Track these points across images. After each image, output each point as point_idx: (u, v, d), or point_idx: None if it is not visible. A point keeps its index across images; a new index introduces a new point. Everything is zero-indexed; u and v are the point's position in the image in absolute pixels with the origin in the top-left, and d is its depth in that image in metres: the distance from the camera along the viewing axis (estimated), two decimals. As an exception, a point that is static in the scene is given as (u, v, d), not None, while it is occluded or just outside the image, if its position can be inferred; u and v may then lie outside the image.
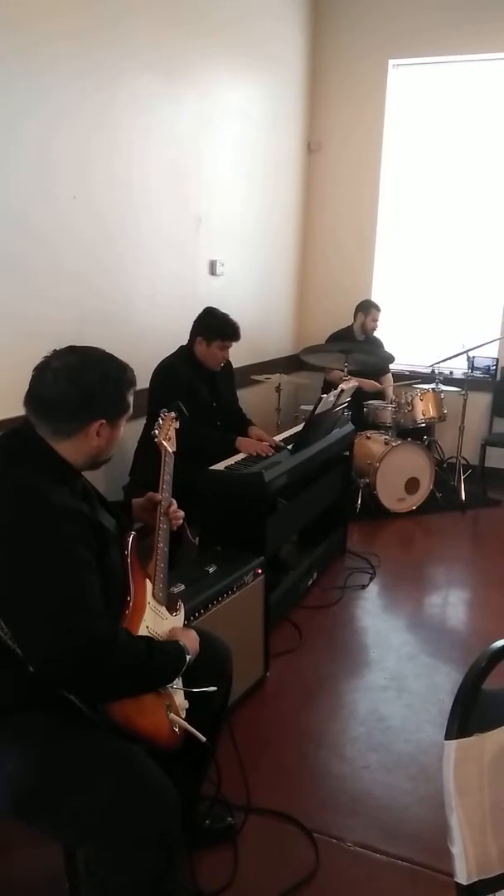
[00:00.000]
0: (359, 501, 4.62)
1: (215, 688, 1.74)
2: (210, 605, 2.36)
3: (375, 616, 3.49)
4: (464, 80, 5.38)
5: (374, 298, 5.51)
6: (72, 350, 1.63)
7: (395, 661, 3.04)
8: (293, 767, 2.36)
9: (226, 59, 4.40)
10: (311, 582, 3.57)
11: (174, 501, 1.94)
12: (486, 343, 5.06)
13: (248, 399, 4.53)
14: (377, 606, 3.58)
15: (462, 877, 1.17)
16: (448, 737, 1.19)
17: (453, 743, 1.18)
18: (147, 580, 1.76)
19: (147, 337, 3.76)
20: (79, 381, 1.55)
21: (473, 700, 1.20)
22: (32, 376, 1.59)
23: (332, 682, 2.86)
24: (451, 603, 3.77)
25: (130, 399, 1.66)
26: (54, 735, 1.47)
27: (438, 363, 5.00)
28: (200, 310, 3.51)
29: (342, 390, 3.36)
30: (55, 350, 1.63)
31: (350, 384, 3.50)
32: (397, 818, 2.15)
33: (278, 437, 3.36)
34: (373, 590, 3.70)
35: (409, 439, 4.75)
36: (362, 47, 5.52)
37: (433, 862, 1.97)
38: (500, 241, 5.38)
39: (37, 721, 1.49)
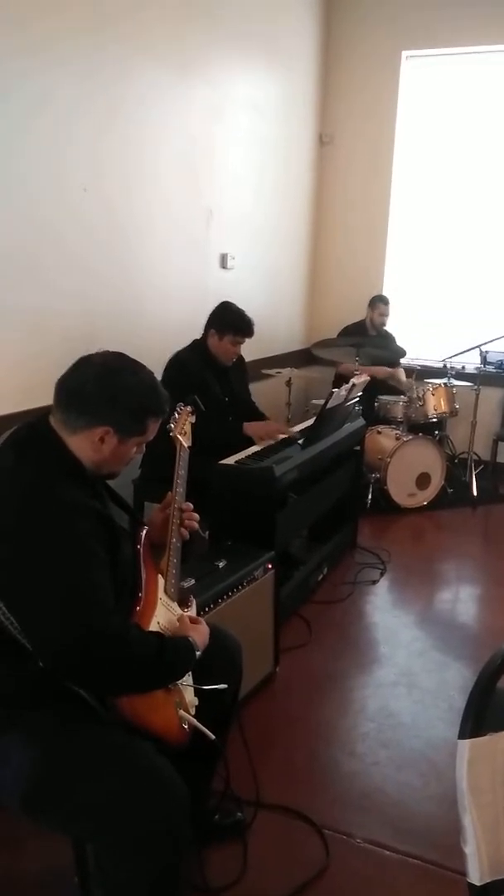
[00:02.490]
0: (369, 496, 4.60)
1: (226, 685, 1.73)
2: (220, 600, 2.35)
3: (385, 611, 3.47)
4: (478, 71, 5.33)
5: (386, 292, 5.48)
6: (120, 355, 1.62)
7: (405, 657, 3.03)
8: (303, 763, 2.36)
9: (238, 52, 4.37)
10: (321, 577, 3.56)
11: (190, 505, 1.91)
12: (499, 338, 5.01)
13: (259, 393, 4.51)
14: (387, 602, 3.56)
15: (475, 877, 1.15)
16: (462, 736, 1.18)
17: (467, 742, 1.17)
18: (159, 575, 1.76)
19: (157, 330, 3.76)
20: (105, 381, 1.55)
21: (487, 699, 1.19)
22: (74, 363, 1.59)
23: (342, 678, 2.85)
24: (462, 599, 3.75)
25: (151, 426, 1.62)
26: (62, 729, 1.47)
27: (450, 358, 4.96)
28: (211, 303, 3.50)
29: (353, 384, 3.34)
30: (107, 350, 1.62)
31: (362, 378, 3.48)
32: (407, 815, 2.14)
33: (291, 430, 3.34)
34: (383, 585, 3.69)
35: (420, 434, 4.73)
36: (375, 39, 5.47)
37: (443, 860, 1.96)
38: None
39: (45, 715, 1.49)
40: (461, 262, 5.57)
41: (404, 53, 5.46)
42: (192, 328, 3.53)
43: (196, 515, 1.93)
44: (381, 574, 3.77)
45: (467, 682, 2.83)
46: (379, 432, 4.67)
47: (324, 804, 2.16)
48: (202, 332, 3.45)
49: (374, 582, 3.69)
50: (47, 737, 1.45)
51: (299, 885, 1.86)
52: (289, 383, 4.66)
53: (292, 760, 2.36)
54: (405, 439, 4.56)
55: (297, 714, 2.60)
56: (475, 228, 5.49)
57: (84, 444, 1.56)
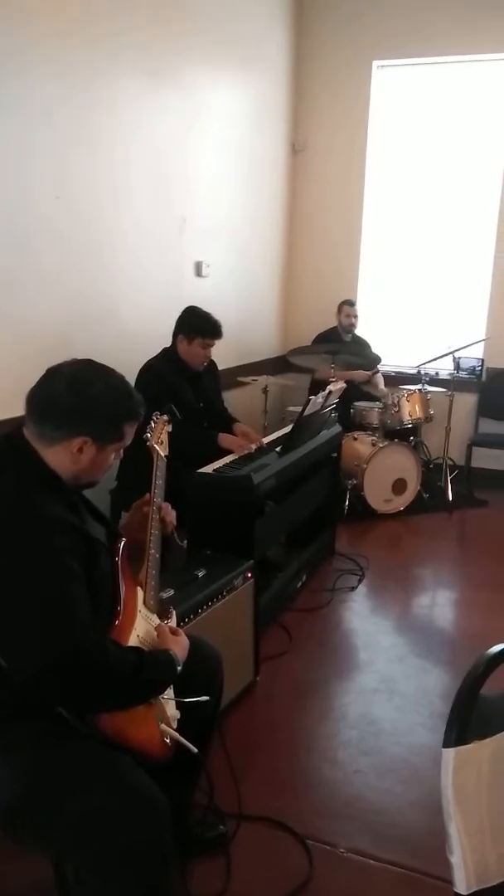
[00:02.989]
0: (346, 503, 4.61)
1: (207, 697, 1.72)
2: (200, 610, 2.33)
3: (364, 618, 3.48)
4: (448, 81, 5.40)
5: (360, 299, 5.51)
6: (89, 362, 1.61)
7: (384, 663, 3.03)
8: (284, 773, 2.34)
9: (210, 59, 4.37)
10: (300, 584, 3.56)
11: (167, 505, 1.90)
12: (472, 344, 5.07)
13: (235, 401, 4.51)
14: (366, 608, 3.57)
15: (462, 887, 1.15)
16: (446, 745, 1.17)
17: (452, 751, 1.16)
18: (138, 587, 1.74)
19: (134, 339, 3.73)
20: (79, 391, 1.53)
21: (471, 707, 1.19)
22: (42, 375, 1.57)
23: (323, 686, 2.84)
24: (440, 604, 3.78)
25: (128, 431, 1.61)
26: (41, 747, 1.44)
27: (424, 364, 5.00)
28: (187, 312, 3.49)
29: (330, 391, 3.35)
30: (74, 358, 1.60)
31: (338, 385, 3.49)
32: (389, 823, 2.14)
33: (267, 440, 3.34)
34: (362, 591, 3.69)
35: (396, 440, 4.75)
36: (347, 48, 5.52)
37: (426, 867, 1.95)
38: (485, 242, 5.39)
39: (23, 733, 1.46)
40: (434, 268, 5.62)
41: (375, 63, 5.52)
42: (169, 336, 3.51)
43: (173, 512, 1.92)
44: (360, 580, 3.77)
45: (447, 687, 2.85)
46: (355, 438, 4.68)
47: (306, 814, 2.15)
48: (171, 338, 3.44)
49: (353, 588, 3.69)
50: (27, 755, 1.43)
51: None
52: (265, 391, 4.66)
53: (274, 770, 2.35)
54: (381, 445, 4.58)
55: (278, 723, 2.59)
56: (447, 235, 5.55)
57: (62, 456, 1.54)
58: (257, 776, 2.28)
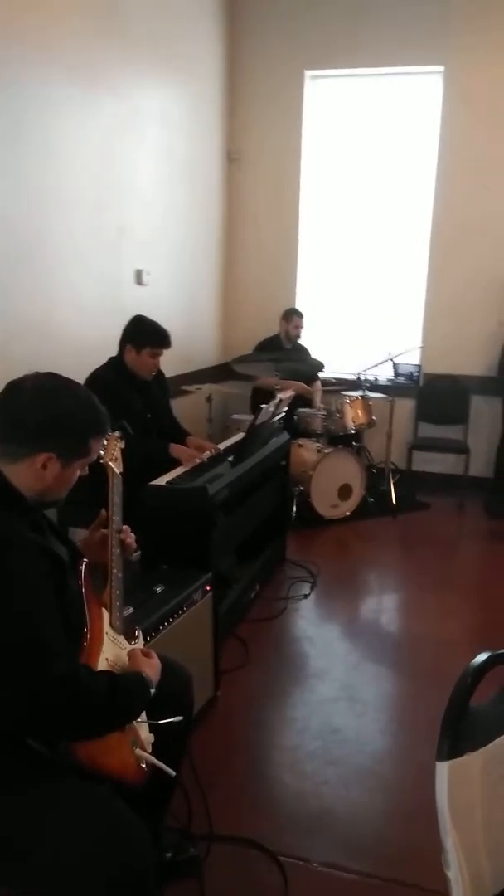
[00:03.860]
0: (294, 510, 4.61)
1: (181, 717, 1.67)
2: (161, 627, 2.28)
3: (319, 625, 3.48)
4: (381, 91, 5.49)
5: (299, 306, 5.54)
6: (52, 376, 1.54)
7: (342, 670, 3.04)
8: (252, 789, 2.31)
9: (145, 66, 4.32)
10: (253, 594, 3.53)
11: (127, 528, 1.85)
12: (409, 350, 5.17)
13: (179, 410, 4.43)
14: (320, 615, 3.57)
15: (460, 901, 1.14)
16: (440, 758, 1.16)
17: (446, 764, 1.15)
18: (103, 609, 1.68)
19: (75, 348, 3.64)
20: (42, 406, 1.46)
21: (461, 719, 1.18)
22: (3, 389, 1.49)
23: (284, 697, 2.82)
24: (390, 608, 3.81)
25: (94, 446, 1.56)
26: (14, 783, 1.37)
27: (365, 370, 5.06)
28: (127, 319, 3.43)
29: (280, 399, 3.34)
30: (36, 372, 1.53)
31: (287, 393, 3.49)
32: (360, 833, 2.13)
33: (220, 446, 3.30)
34: (314, 598, 3.69)
35: (340, 446, 4.79)
36: (279, 58, 5.55)
37: (401, 876, 1.95)
38: (419, 250, 5.50)
39: (-5, 768, 1.39)
40: (371, 276, 5.70)
41: (308, 72, 5.57)
42: (111, 345, 3.43)
43: (133, 537, 1.87)
44: (312, 587, 3.77)
45: (403, 691, 2.87)
46: (300, 445, 4.70)
47: (277, 830, 2.12)
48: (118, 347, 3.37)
49: (306, 596, 3.69)
50: (2, 791, 1.35)
51: (261, 918, 1.81)
52: (209, 399, 4.62)
53: (241, 787, 2.31)
54: (326, 452, 4.61)
55: (241, 738, 2.55)
56: (383, 244, 5.64)
57: (25, 474, 1.48)
58: (224, 794, 2.24)
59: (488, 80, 5.14)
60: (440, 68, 5.25)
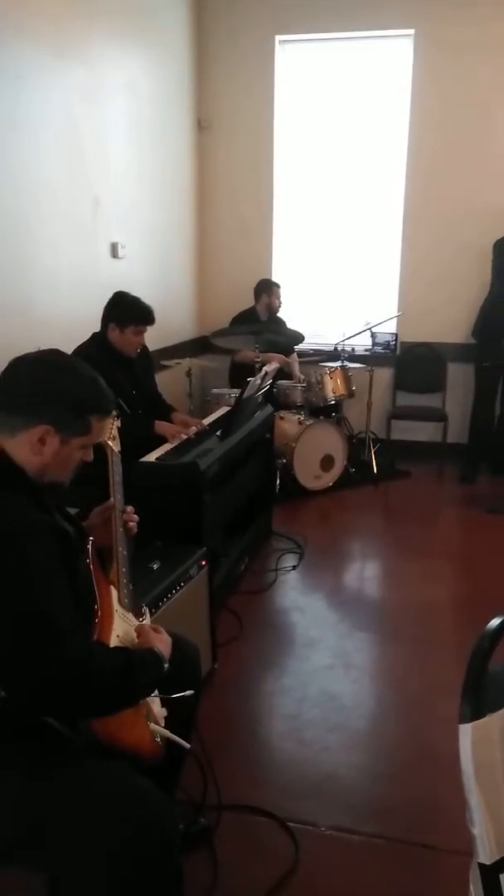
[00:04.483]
0: (277, 482, 4.62)
1: (192, 691, 1.68)
2: (161, 603, 2.28)
3: (309, 595, 3.51)
4: (353, 56, 5.42)
5: (275, 277, 5.50)
6: (55, 351, 1.53)
7: (335, 638, 3.08)
8: (255, 758, 2.34)
9: (113, 33, 4.20)
10: (243, 567, 3.55)
11: (130, 509, 1.84)
12: (387, 320, 5.18)
13: (159, 385, 4.42)
14: (309, 586, 3.60)
15: (485, 857, 1.17)
16: (462, 720, 1.18)
17: (469, 726, 1.18)
18: (112, 587, 1.67)
19: (51, 325, 3.57)
20: (39, 376, 1.45)
21: (482, 681, 1.20)
22: (7, 365, 1.49)
23: (280, 667, 2.85)
24: (376, 575, 3.87)
25: (95, 425, 1.53)
26: (39, 767, 1.37)
27: (344, 341, 5.07)
28: (105, 294, 3.38)
29: (266, 372, 3.33)
30: (41, 348, 1.52)
31: (273, 366, 3.48)
32: (365, 796, 2.18)
33: (205, 421, 3.29)
34: (303, 569, 3.72)
35: (321, 417, 4.80)
36: (248, 23, 5.44)
37: (405, 835, 2.01)
38: (393, 218, 5.49)
39: (13, 751, 1.38)
40: (346, 245, 5.67)
41: (277, 38, 5.47)
42: (88, 321, 3.39)
43: (136, 517, 1.87)
44: (300, 558, 3.80)
45: (395, 656, 2.93)
46: (281, 418, 4.69)
47: (283, 797, 2.15)
48: (100, 325, 3.32)
49: (295, 567, 3.72)
50: (24, 776, 1.35)
51: (275, 881, 1.84)
52: (189, 373, 4.59)
53: (245, 757, 2.34)
54: (308, 423, 4.62)
55: (241, 709, 2.58)
56: (358, 213, 5.61)
57: (23, 448, 1.45)
58: (230, 765, 2.26)
59: (458, 43, 5.11)
60: (410, 31, 5.20)
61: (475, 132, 5.20)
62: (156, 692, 1.61)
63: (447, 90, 5.19)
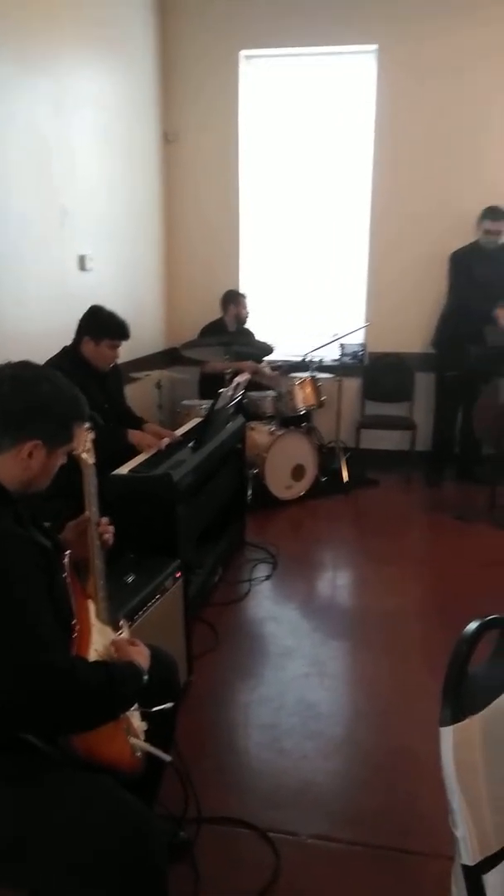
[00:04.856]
0: (249, 492, 4.63)
1: (171, 704, 1.68)
2: (136, 617, 2.27)
3: (283, 605, 3.52)
4: (318, 71, 5.49)
5: (242, 289, 5.53)
6: (27, 364, 1.52)
7: (310, 646, 3.09)
8: (234, 769, 2.34)
9: (80, 46, 4.21)
10: (217, 578, 3.55)
11: (105, 520, 1.84)
12: (355, 330, 5.24)
13: (128, 397, 4.40)
14: (283, 595, 3.61)
15: (468, 858, 1.19)
16: (443, 723, 1.20)
17: (450, 729, 1.20)
18: (89, 601, 1.67)
19: (18, 338, 3.54)
20: (26, 392, 1.45)
21: (461, 685, 1.23)
22: None
23: (256, 677, 2.85)
24: (349, 583, 3.89)
25: (77, 432, 1.56)
26: (19, 781, 1.35)
27: (313, 351, 5.11)
28: (74, 307, 3.37)
29: (238, 384, 3.35)
30: (8, 361, 1.51)
31: (244, 377, 3.49)
32: (344, 803, 2.19)
33: (178, 432, 3.29)
34: (277, 579, 3.73)
35: (291, 427, 4.83)
36: (212, 38, 5.48)
37: (386, 841, 2.02)
38: (360, 229, 5.56)
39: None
40: (314, 257, 5.73)
41: (242, 52, 5.52)
42: (57, 334, 3.37)
43: (111, 528, 1.87)
44: (273, 568, 3.81)
45: (370, 663, 2.95)
46: (252, 429, 4.71)
47: (263, 807, 2.15)
48: (72, 337, 3.31)
49: (268, 577, 3.72)
50: (5, 789, 1.33)
51: (257, 893, 1.84)
52: (159, 385, 4.59)
53: (223, 768, 2.33)
54: (279, 434, 4.65)
55: (218, 720, 2.58)
56: (325, 224, 5.67)
57: (11, 464, 1.46)
58: (208, 776, 2.25)
59: (419, 58, 5.21)
60: (374, 47, 5.29)
61: (436, 146, 5.30)
62: (136, 706, 1.60)
63: (409, 104, 5.29)
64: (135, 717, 1.61)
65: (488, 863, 1.21)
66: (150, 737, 1.62)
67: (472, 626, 1.31)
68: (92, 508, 1.85)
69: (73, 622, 1.56)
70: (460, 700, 1.22)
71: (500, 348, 4.53)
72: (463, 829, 1.19)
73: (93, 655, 1.54)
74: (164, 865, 1.36)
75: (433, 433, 5.36)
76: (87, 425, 2.03)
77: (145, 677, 1.54)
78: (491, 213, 4.85)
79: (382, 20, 5.20)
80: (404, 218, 5.42)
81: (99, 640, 1.61)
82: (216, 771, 2.31)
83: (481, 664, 1.35)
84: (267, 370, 5.12)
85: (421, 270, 5.43)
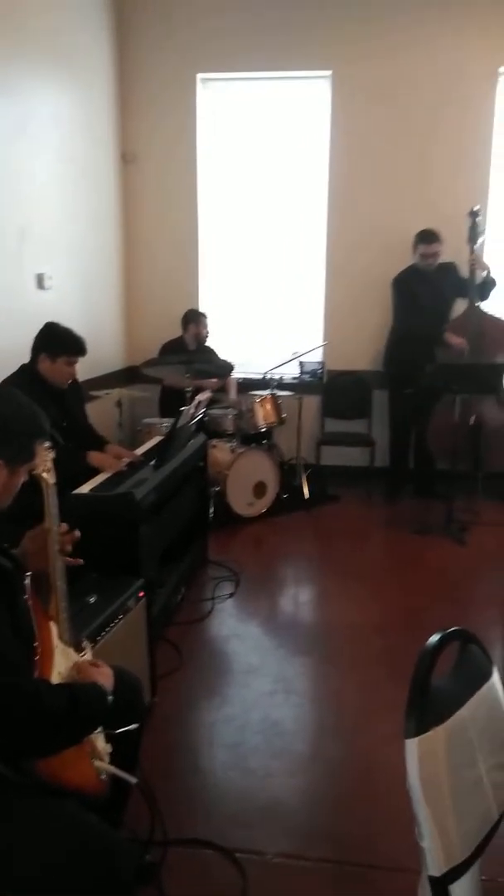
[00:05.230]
0: (211, 510, 4.63)
1: (136, 724, 1.67)
2: (99, 637, 2.25)
3: (247, 622, 3.51)
4: (274, 94, 5.58)
5: (203, 308, 5.56)
6: None
7: (275, 663, 3.09)
8: (199, 790, 2.31)
9: (37, 67, 4.22)
10: (180, 597, 3.53)
11: (65, 526, 1.82)
12: (314, 349, 5.30)
13: (89, 417, 4.38)
14: (246, 613, 3.61)
15: (435, 869, 1.20)
16: (408, 735, 1.22)
17: (415, 741, 1.21)
18: (51, 622, 1.65)
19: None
20: None
21: (425, 696, 1.24)
22: None
23: (221, 696, 2.84)
24: (312, 599, 3.91)
25: (38, 449, 1.55)
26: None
27: (273, 369, 5.15)
28: (32, 325, 3.34)
29: (199, 402, 3.35)
30: None
31: (205, 395, 3.50)
32: (310, 821, 2.18)
33: (139, 451, 3.28)
34: (240, 596, 3.72)
35: (252, 445, 4.84)
36: (169, 60, 5.54)
37: (352, 857, 2.02)
38: (318, 249, 5.64)
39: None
40: (272, 275, 5.78)
41: (199, 75, 5.58)
42: (14, 352, 3.34)
43: (77, 532, 1.85)
44: (236, 586, 3.80)
45: (334, 678, 2.96)
46: (214, 446, 4.71)
47: (229, 827, 2.14)
48: (29, 355, 3.28)
49: (231, 595, 3.71)
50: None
51: (225, 916, 1.82)
52: (119, 404, 4.57)
53: (187, 789, 2.31)
54: (240, 451, 4.66)
55: (183, 741, 2.55)
56: (283, 244, 5.73)
57: None
58: (172, 798, 2.23)
59: (371, 85, 5.34)
60: (328, 73, 5.41)
61: (386, 170, 5.42)
62: (99, 728, 1.58)
63: (362, 129, 5.40)
64: (99, 740, 1.60)
65: (454, 873, 1.22)
66: (114, 759, 1.61)
67: (434, 638, 1.33)
68: (53, 528, 1.83)
69: (34, 644, 1.54)
70: (424, 712, 1.23)
71: (452, 366, 4.63)
72: (429, 841, 1.21)
73: (55, 678, 1.53)
74: (131, 889, 1.34)
75: (390, 450, 5.43)
76: (47, 444, 2.03)
77: (110, 699, 1.52)
78: (424, 237, 4.91)
79: (337, 47, 5.32)
80: (357, 240, 5.52)
81: (62, 662, 1.59)
82: (181, 792, 2.28)
83: (444, 676, 1.37)
84: (232, 389, 5.14)
85: (375, 291, 5.50)
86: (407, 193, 5.42)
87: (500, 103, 5.27)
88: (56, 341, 3.19)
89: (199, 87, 5.59)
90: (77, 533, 1.83)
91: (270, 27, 5.35)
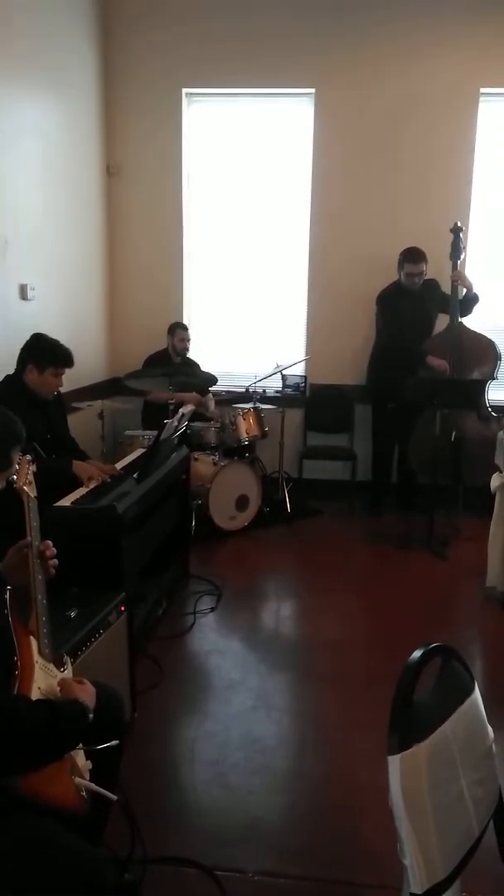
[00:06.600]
0: (193, 523, 4.61)
1: (117, 741, 1.65)
2: (79, 653, 2.23)
3: (228, 637, 3.50)
4: (259, 110, 5.62)
5: (186, 320, 5.57)
6: None
7: (257, 679, 3.07)
8: (179, 807, 2.29)
9: (21, 78, 4.22)
10: (161, 611, 3.50)
11: (49, 542, 1.81)
12: (297, 362, 5.32)
13: (71, 428, 4.36)
14: (228, 627, 3.59)
15: (416, 887, 1.20)
16: (391, 752, 1.22)
17: (397, 757, 1.21)
18: (31, 637, 1.63)
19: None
20: None
21: (407, 713, 1.24)
22: None
23: (202, 712, 2.82)
24: (294, 614, 3.90)
25: (14, 457, 1.54)
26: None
27: (256, 382, 5.16)
28: (14, 336, 3.35)
29: (182, 414, 3.35)
30: None
31: (189, 408, 3.50)
32: (290, 838, 2.17)
33: (119, 464, 3.27)
34: (221, 610, 3.71)
35: (235, 458, 4.84)
36: (154, 75, 5.57)
37: (332, 874, 2.01)
38: (300, 264, 5.67)
39: None
40: (256, 289, 5.80)
41: (184, 90, 5.62)
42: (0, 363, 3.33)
43: (54, 551, 1.84)
44: (218, 600, 3.79)
45: (315, 694, 2.95)
46: (196, 459, 4.70)
47: (209, 845, 2.12)
48: (15, 366, 3.27)
49: (213, 609, 3.70)
50: None
51: (204, 935, 1.80)
52: (101, 415, 4.55)
53: (167, 807, 2.29)
54: (223, 464, 4.65)
55: (163, 757, 2.53)
56: (266, 257, 5.76)
57: None
58: (152, 815, 2.21)
59: (353, 103, 5.40)
60: (311, 90, 5.46)
61: (367, 187, 5.48)
62: (79, 745, 1.57)
63: (344, 146, 5.46)
64: (79, 756, 1.58)
65: (436, 890, 1.22)
66: (94, 775, 1.59)
67: (417, 654, 1.34)
68: (34, 543, 1.82)
69: (14, 659, 1.53)
70: (407, 728, 1.23)
71: (435, 381, 4.66)
72: (411, 858, 1.20)
73: (35, 694, 1.51)
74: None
75: (372, 464, 5.45)
76: (28, 457, 2.02)
77: (90, 715, 1.51)
78: (410, 256, 4.96)
79: (319, 66, 5.38)
80: (339, 255, 5.56)
81: (42, 678, 1.58)
82: (161, 810, 2.26)
83: (426, 692, 1.37)
84: (211, 403, 5.15)
85: (357, 306, 5.54)
86: (389, 210, 5.48)
87: (481, 122, 5.36)
88: (44, 352, 3.19)
89: (184, 101, 5.63)
90: (52, 547, 1.81)
91: (255, 44, 5.40)
